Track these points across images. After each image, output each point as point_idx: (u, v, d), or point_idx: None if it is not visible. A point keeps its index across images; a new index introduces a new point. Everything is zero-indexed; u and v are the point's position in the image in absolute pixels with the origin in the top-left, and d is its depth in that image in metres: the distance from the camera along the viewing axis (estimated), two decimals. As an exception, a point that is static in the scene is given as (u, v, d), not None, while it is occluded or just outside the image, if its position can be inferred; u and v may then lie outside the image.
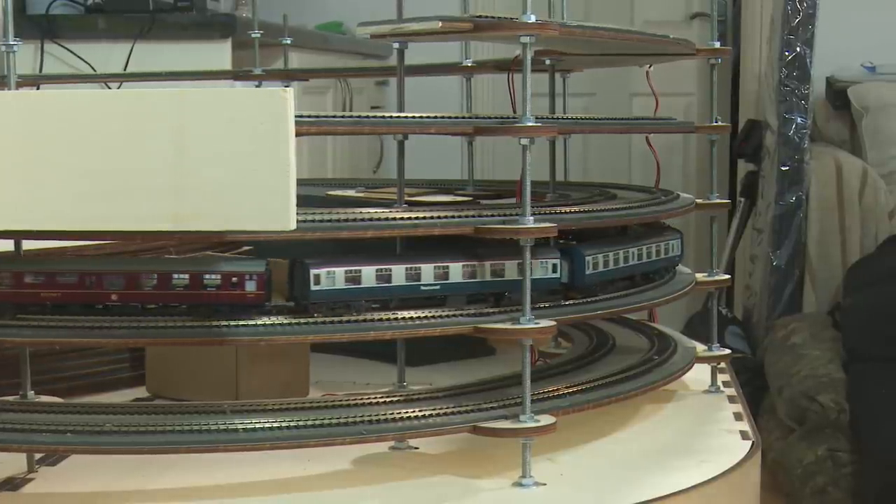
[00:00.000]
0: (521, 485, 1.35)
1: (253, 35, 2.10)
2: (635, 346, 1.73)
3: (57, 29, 2.99)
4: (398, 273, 1.38)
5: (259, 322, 1.32)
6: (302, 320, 1.34)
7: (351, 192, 1.92)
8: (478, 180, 1.96)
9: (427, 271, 1.40)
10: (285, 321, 1.33)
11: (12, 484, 1.36)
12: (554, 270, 1.46)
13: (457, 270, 1.40)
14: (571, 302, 1.47)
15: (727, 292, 4.01)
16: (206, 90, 1.22)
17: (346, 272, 1.36)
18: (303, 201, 1.22)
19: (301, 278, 1.35)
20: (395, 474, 1.40)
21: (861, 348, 2.94)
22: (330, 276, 1.35)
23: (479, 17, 1.36)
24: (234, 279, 1.33)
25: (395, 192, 1.49)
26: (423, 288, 1.39)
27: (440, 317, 1.37)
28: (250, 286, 1.33)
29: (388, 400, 1.40)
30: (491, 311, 1.39)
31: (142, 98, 1.22)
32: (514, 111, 1.41)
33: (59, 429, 1.29)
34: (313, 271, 1.34)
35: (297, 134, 1.19)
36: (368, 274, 1.37)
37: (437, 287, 1.40)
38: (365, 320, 1.36)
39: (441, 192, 1.85)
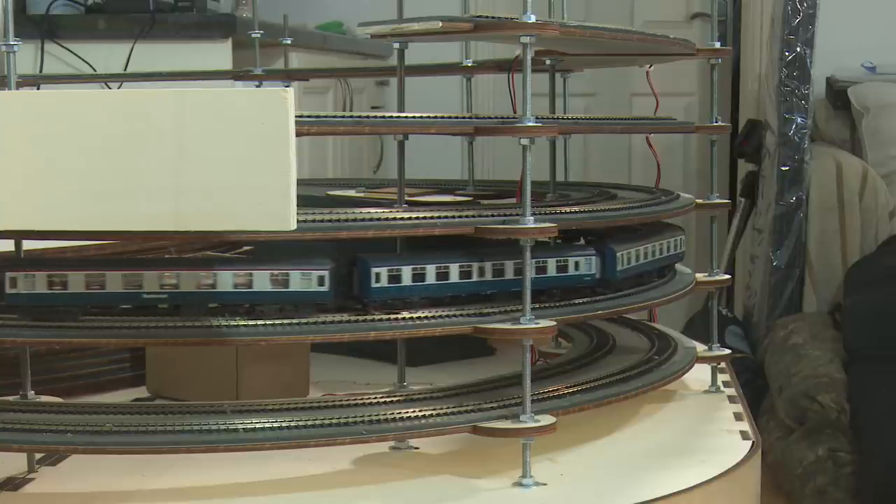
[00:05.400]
0: (521, 485, 1.35)
1: (253, 35, 2.10)
2: (635, 346, 1.73)
3: (57, 29, 2.99)
4: (114, 279, 1.31)
5: (259, 322, 1.32)
6: (304, 320, 1.34)
7: (351, 192, 1.92)
8: (478, 180, 1.97)
9: (150, 279, 1.31)
10: (287, 321, 1.33)
11: (12, 484, 1.36)
12: (320, 283, 1.34)
13: (189, 279, 1.31)
14: (572, 302, 1.47)
15: (727, 292, 4.01)
16: (206, 90, 1.22)
17: (48, 276, 1.29)
18: (303, 201, 1.22)
19: None
20: (395, 474, 1.40)
21: (861, 348, 2.94)
22: (29, 280, 1.29)
23: (480, 17, 1.36)
24: None
25: (395, 192, 1.49)
26: (145, 296, 1.31)
27: (440, 317, 1.37)
28: None
29: (388, 400, 1.40)
30: (491, 311, 1.39)
31: (142, 98, 1.22)
32: (515, 111, 1.41)
33: (59, 429, 1.29)
34: (9, 275, 1.29)
35: (298, 134, 1.19)
36: (77, 280, 1.30)
37: (165, 296, 1.31)
38: (365, 320, 1.36)
39: (441, 192, 1.86)
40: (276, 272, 1.33)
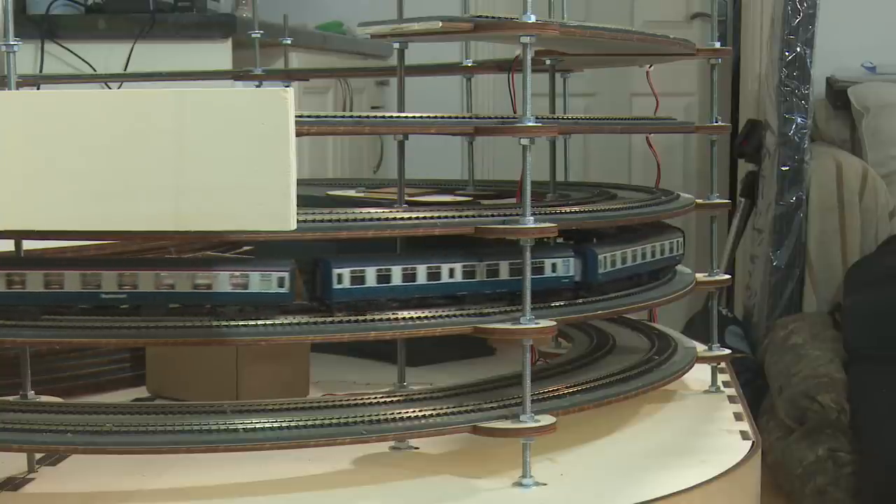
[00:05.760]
0: (521, 485, 1.35)
1: (253, 35, 2.10)
2: (635, 346, 1.73)
3: (57, 29, 2.99)
4: (72, 279, 1.29)
5: (259, 322, 1.32)
6: (303, 320, 1.34)
7: (351, 192, 1.92)
8: (478, 180, 1.97)
9: (109, 279, 1.30)
10: (286, 322, 1.33)
11: (12, 484, 1.36)
12: (280, 285, 1.32)
13: (148, 280, 1.30)
14: (572, 302, 1.47)
15: (727, 292, 4.01)
16: (206, 90, 1.22)
17: (6, 276, 1.28)
18: (303, 201, 1.22)
19: None
20: (395, 474, 1.40)
21: (861, 348, 2.94)
22: None
23: (480, 17, 1.36)
24: None
25: (395, 192, 1.49)
26: (103, 297, 1.30)
27: (440, 317, 1.37)
28: None
29: (388, 400, 1.39)
30: (491, 311, 1.39)
31: (142, 98, 1.22)
32: (515, 111, 1.41)
33: (59, 429, 1.29)
34: None
35: (298, 134, 1.19)
36: (35, 279, 1.29)
37: (124, 296, 1.30)
38: (365, 320, 1.36)
39: (441, 192, 1.86)
40: (235, 273, 1.32)
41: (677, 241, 1.68)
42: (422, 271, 1.38)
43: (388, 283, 1.37)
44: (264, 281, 1.32)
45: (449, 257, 1.40)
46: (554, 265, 1.46)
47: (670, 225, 1.71)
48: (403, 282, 1.38)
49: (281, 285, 1.33)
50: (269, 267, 1.33)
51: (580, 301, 1.48)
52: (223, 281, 1.31)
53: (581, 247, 1.50)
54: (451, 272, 1.40)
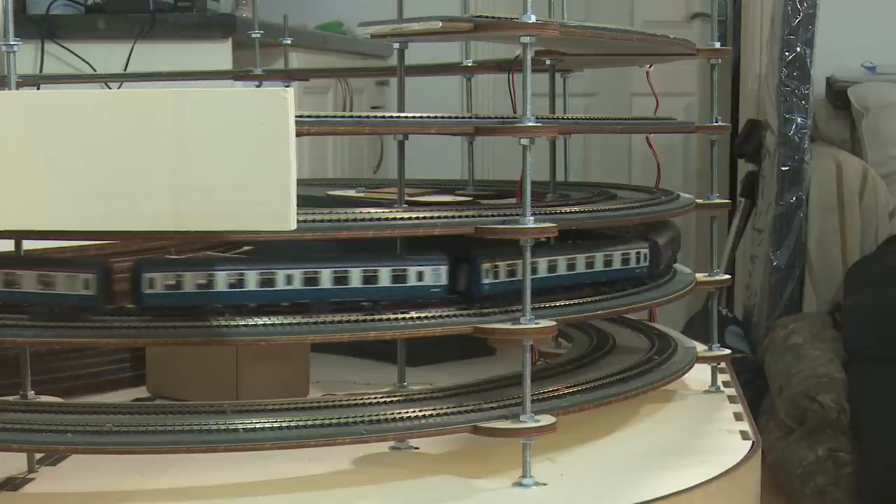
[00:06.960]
0: (521, 485, 1.35)
1: (253, 35, 2.10)
2: (635, 346, 1.73)
3: (57, 29, 2.99)
4: None
5: (259, 322, 1.32)
6: (303, 320, 1.34)
7: (351, 192, 1.92)
8: (478, 180, 1.97)
9: None
10: (287, 321, 1.33)
11: (12, 484, 1.36)
12: (86, 287, 1.28)
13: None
14: (572, 302, 1.47)
15: (727, 292, 4.01)
16: (206, 90, 1.22)
17: None
18: (303, 201, 1.22)
19: None
20: (395, 474, 1.40)
21: (861, 348, 2.94)
22: None
23: (480, 17, 1.36)
24: None
25: (395, 192, 1.49)
26: None
27: (440, 317, 1.37)
28: None
29: (388, 400, 1.39)
30: (491, 311, 1.39)
31: (142, 98, 1.22)
32: (515, 111, 1.41)
33: (59, 429, 1.29)
34: None
35: (298, 134, 1.19)
36: None
37: None
38: (365, 320, 1.36)
39: (441, 192, 1.86)
40: (42, 274, 1.29)
41: (638, 253, 1.56)
42: (252, 277, 1.31)
43: (211, 289, 1.31)
44: (69, 283, 1.29)
45: (291, 263, 1.33)
46: (421, 273, 1.36)
47: (644, 235, 1.62)
48: (230, 288, 1.31)
49: (86, 287, 1.29)
50: (76, 269, 1.29)
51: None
52: (31, 281, 1.29)
53: (467, 253, 1.39)
54: (289, 278, 1.33)
